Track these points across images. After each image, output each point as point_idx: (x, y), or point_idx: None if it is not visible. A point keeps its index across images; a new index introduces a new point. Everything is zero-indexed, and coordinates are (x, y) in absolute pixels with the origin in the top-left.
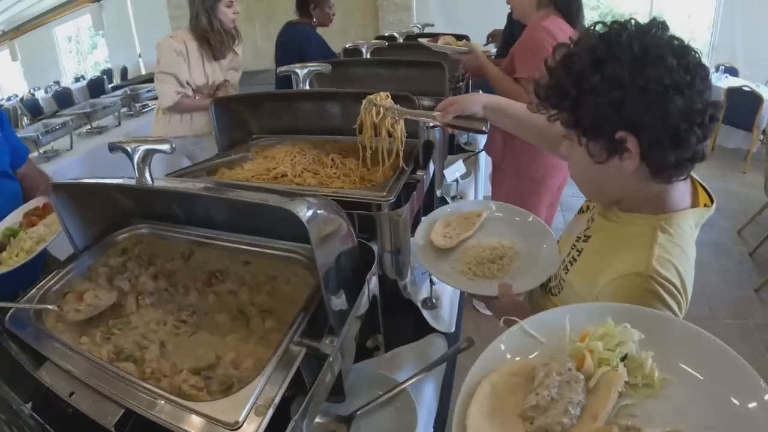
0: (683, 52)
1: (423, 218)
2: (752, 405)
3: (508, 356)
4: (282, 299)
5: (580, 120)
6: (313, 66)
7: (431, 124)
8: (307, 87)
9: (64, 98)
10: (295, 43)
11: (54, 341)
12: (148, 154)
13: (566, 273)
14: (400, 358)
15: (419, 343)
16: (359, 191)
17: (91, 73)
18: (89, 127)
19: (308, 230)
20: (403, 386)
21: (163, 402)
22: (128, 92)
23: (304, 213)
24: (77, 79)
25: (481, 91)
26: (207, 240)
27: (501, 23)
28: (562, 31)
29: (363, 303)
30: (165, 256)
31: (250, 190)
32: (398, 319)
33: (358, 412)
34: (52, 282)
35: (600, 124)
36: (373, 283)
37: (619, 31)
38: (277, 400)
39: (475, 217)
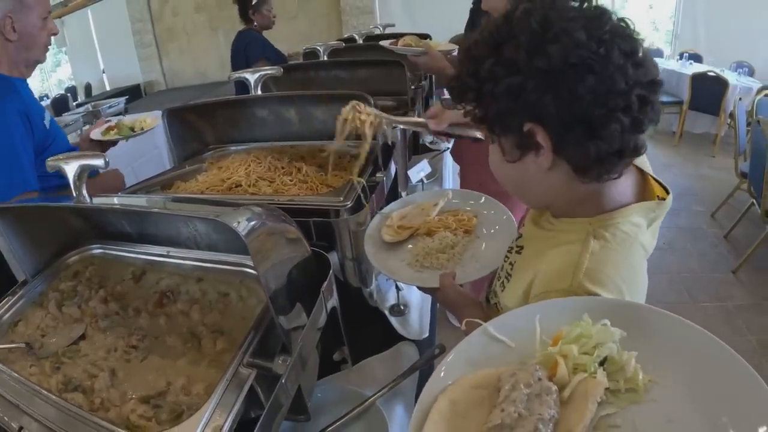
0: (598, 22)
1: (376, 216)
2: (747, 403)
3: (471, 366)
4: (234, 317)
5: (486, 114)
6: (264, 70)
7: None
8: (260, 92)
9: None
10: (241, 49)
11: (2, 373)
12: (83, 170)
13: (502, 291)
14: (369, 370)
15: (388, 353)
16: (315, 197)
17: (56, 91)
18: None
19: (246, 244)
20: (372, 400)
21: None
22: (90, 108)
23: (241, 225)
24: (41, 98)
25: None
26: (159, 258)
27: (464, 22)
28: None
29: (319, 317)
30: (116, 277)
31: (195, 203)
32: (366, 329)
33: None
34: (2, 311)
35: (504, 117)
36: (329, 296)
37: (522, 7)
38: (227, 426)
39: (432, 208)
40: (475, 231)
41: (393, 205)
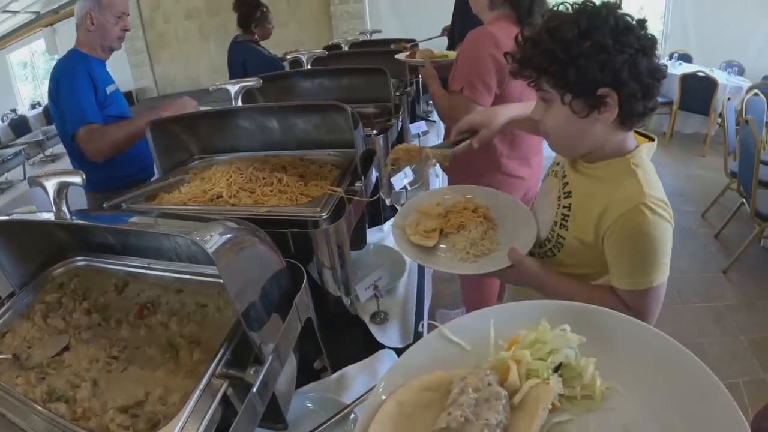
0: (641, 24)
1: (393, 230)
2: (709, 412)
3: (425, 369)
4: (211, 328)
5: (567, 81)
6: (244, 82)
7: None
8: (240, 103)
9: (20, 126)
10: (239, 61)
11: None
12: (62, 187)
13: (565, 230)
14: (348, 378)
15: (367, 361)
16: (294, 208)
17: (48, 98)
18: (42, 155)
19: (214, 260)
20: (350, 408)
21: None
22: None
23: (211, 242)
24: (33, 106)
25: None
26: (141, 270)
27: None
28: (508, 36)
29: (292, 327)
30: (99, 288)
31: (173, 218)
32: (347, 337)
33: None
34: None
35: (586, 83)
36: (303, 306)
37: (595, 8)
38: None
39: (435, 207)
40: (490, 214)
41: (399, 215)
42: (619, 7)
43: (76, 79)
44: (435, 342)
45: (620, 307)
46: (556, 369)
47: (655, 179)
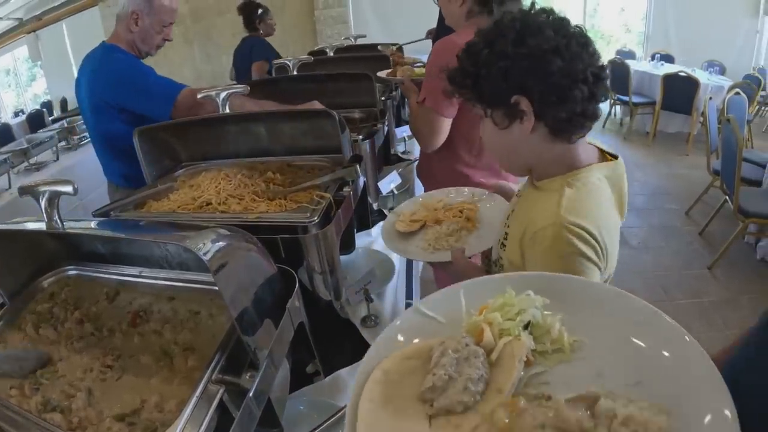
0: (561, 24)
1: (390, 213)
2: (669, 353)
3: (404, 341)
4: (205, 335)
5: (481, 94)
6: (231, 88)
7: None
8: (228, 109)
9: (3, 134)
10: (246, 52)
11: None
12: (53, 197)
13: (503, 251)
14: (341, 381)
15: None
16: (283, 214)
17: (31, 106)
18: (27, 164)
19: (209, 267)
20: (343, 411)
21: None
22: (65, 125)
23: (204, 249)
24: (17, 114)
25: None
26: (132, 278)
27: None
28: None
29: (286, 333)
30: (90, 298)
31: (160, 226)
32: (338, 341)
33: None
34: None
35: (496, 93)
36: (295, 311)
37: (506, 16)
38: None
39: (436, 203)
40: (476, 217)
41: (403, 205)
42: (541, 11)
43: (138, 63)
44: (412, 318)
45: None
46: (526, 327)
47: (588, 204)
